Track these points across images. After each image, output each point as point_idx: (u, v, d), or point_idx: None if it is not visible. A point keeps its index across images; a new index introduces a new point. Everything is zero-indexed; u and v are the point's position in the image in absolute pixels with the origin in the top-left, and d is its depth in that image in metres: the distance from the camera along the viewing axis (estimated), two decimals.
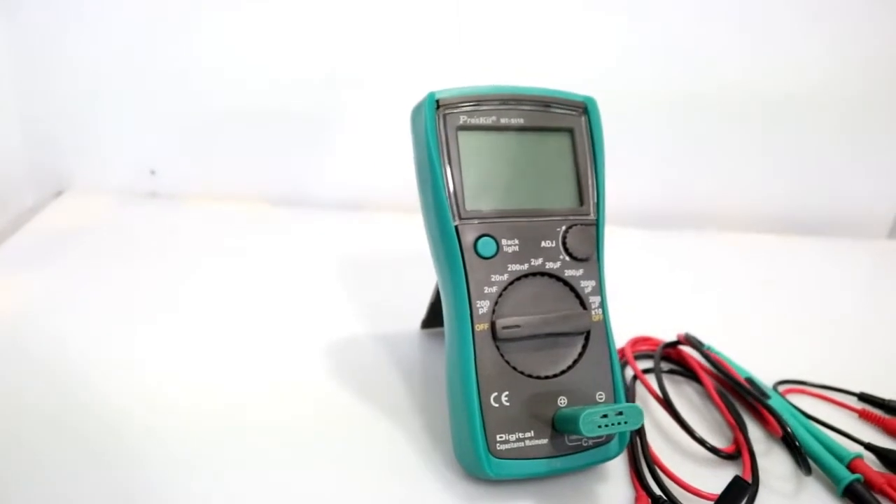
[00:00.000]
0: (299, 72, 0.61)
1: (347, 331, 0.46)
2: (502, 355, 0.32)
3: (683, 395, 0.43)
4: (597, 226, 0.35)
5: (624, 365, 0.43)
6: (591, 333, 0.34)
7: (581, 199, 0.35)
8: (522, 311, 0.33)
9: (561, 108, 0.35)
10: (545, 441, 0.32)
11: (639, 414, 0.31)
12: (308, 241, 0.59)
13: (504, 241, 0.33)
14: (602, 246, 0.35)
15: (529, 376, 0.32)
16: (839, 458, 0.35)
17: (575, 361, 0.33)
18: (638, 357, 0.44)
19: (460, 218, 0.33)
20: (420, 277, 0.43)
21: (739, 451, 0.36)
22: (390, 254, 0.56)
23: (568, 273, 0.34)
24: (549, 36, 0.62)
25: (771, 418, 0.37)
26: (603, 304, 0.35)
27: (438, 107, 0.33)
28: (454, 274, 0.33)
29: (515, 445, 0.32)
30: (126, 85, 0.59)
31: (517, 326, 0.32)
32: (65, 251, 0.52)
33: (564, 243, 0.34)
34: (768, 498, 0.34)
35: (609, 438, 0.33)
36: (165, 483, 0.32)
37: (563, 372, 0.33)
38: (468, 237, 0.33)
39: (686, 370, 0.44)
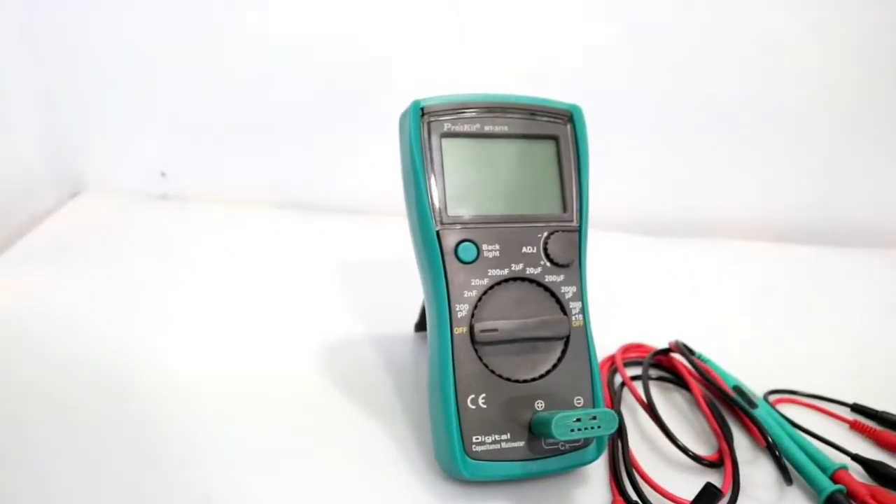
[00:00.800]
0: (308, 78, 0.62)
1: (343, 331, 0.47)
2: (480, 358, 0.33)
3: (672, 402, 0.43)
4: (579, 232, 0.35)
5: (614, 371, 0.43)
6: (571, 339, 0.34)
7: (564, 206, 0.36)
8: (502, 316, 0.33)
9: (546, 116, 0.36)
10: (521, 444, 0.32)
11: (612, 419, 0.31)
12: (313, 244, 0.60)
13: (485, 247, 0.34)
14: (584, 252, 0.36)
15: (507, 379, 0.33)
16: (823, 468, 0.35)
17: (554, 366, 0.34)
18: (629, 364, 0.45)
19: (442, 223, 0.33)
20: (419, 281, 0.44)
21: (723, 460, 0.36)
22: (392, 258, 0.57)
23: (549, 278, 0.34)
24: (555, 46, 0.63)
25: (753, 427, 0.37)
26: (584, 310, 0.35)
27: (423, 114, 0.34)
28: (435, 278, 0.33)
29: (491, 447, 0.32)
30: (139, 90, 0.61)
31: (495, 330, 0.33)
32: (77, 249, 0.54)
33: (546, 249, 0.35)
34: None
35: (587, 443, 0.33)
36: (153, 458, 0.33)
37: (541, 376, 0.33)
38: (449, 242, 0.33)
39: (677, 378, 0.44)
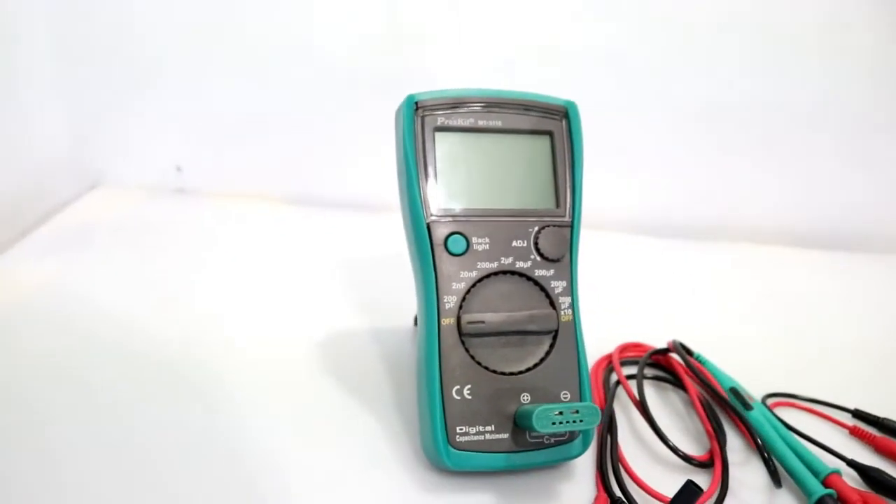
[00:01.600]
0: (321, 76, 0.63)
1: (344, 323, 0.48)
2: (467, 350, 0.33)
3: (669, 402, 0.42)
4: (571, 227, 0.35)
5: (611, 369, 0.43)
6: (560, 333, 0.34)
7: (557, 202, 0.36)
8: (489, 308, 0.34)
9: (541, 112, 0.36)
10: (506, 436, 0.33)
11: (595, 414, 0.31)
12: (322, 239, 0.61)
13: (475, 240, 0.34)
14: (576, 248, 0.36)
15: (494, 372, 0.33)
16: (815, 472, 0.35)
17: (542, 360, 0.34)
18: (628, 363, 0.44)
19: (432, 215, 0.34)
20: None
21: (713, 460, 0.36)
22: (398, 253, 0.57)
23: (538, 273, 0.35)
24: (568, 45, 0.63)
25: (744, 429, 0.37)
26: (574, 305, 0.35)
27: (417, 108, 0.35)
28: (424, 269, 0.34)
29: (475, 438, 0.32)
30: (157, 88, 0.63)
31: (482, 322, 0.33)
32: (93, 239, 0.56)
33: (536, 243, 0.35)
34: None
35: (572, 437, 0.33)
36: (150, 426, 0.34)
37: (528, 369, 0.33)
38: (439, 234, 0.34)
39: (675, 378, 0.44)
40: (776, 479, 0.34)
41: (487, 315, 0.33)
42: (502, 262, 0.34)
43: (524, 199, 0.35)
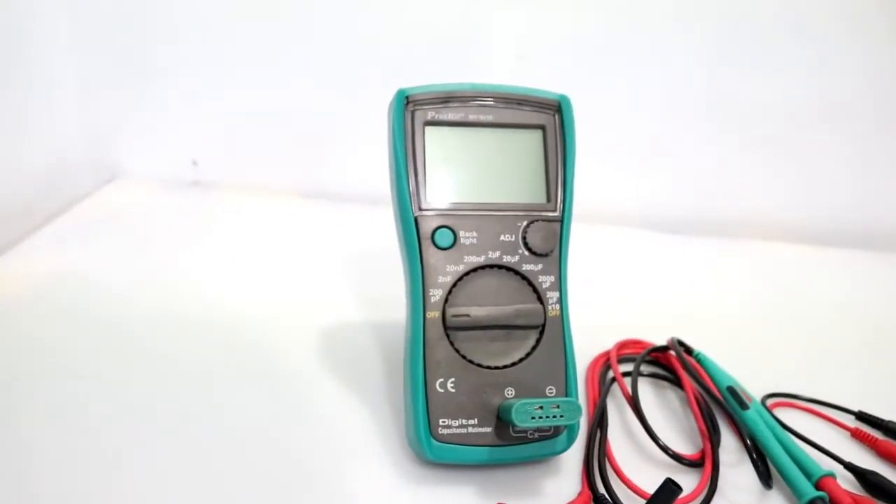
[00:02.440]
0: (330, 76, 0.64)
1: (347, 314, 0.48)
2: (452, 343, 0.33)
3: (667, 400, 0.42)
4: (562, 222, 0.35)
5: (609, 366, 0.43)
6: (546, 328, 0.34)
7: (548, 196, 0.36)
8: (475, 302, 0.34)
9: (533, 106, 0.36)
10: (489, 430, 0.33)
11: (576, 410, 0.31)
12: (332, 232, 0.62)
13: (462, 233, 0.34)
14: (566, 242, 0.35)
15: (479, 366, 0.33)
16: (809, 474, 0.34)
17: (528, 354, 0.34)
18: (627, 360, 0.44)
19: (420, 209, 0.34)
20: None
21: (704, 460, 0.36)
22: None
23: (526, 267, 0.34)
24: (578, 43, 0.63)
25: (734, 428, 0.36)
26: (562, 300, 0.35)
27: (408, 102, 0.35)
28: (411, 262, 0.34)
29: (458, 431, 0.32)
30: (174, 83, 0.65)
31: (466, 316, 0.33)
32: (109, 229, 0.58)
33: (524, 238, 0.35)
34: None
35: (557, 432, 0.33)
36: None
37: (513, 364, 0.33)
38: (427, 228, 0.34)
39: (674, 375, 0.43)
40: (764, 480, 0.33)
41: (473, 309, 0.33)
42: (489, 255, 0.34)
43: (514, 193, 0.35)
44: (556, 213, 0.35)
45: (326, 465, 0.34)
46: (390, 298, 0.50)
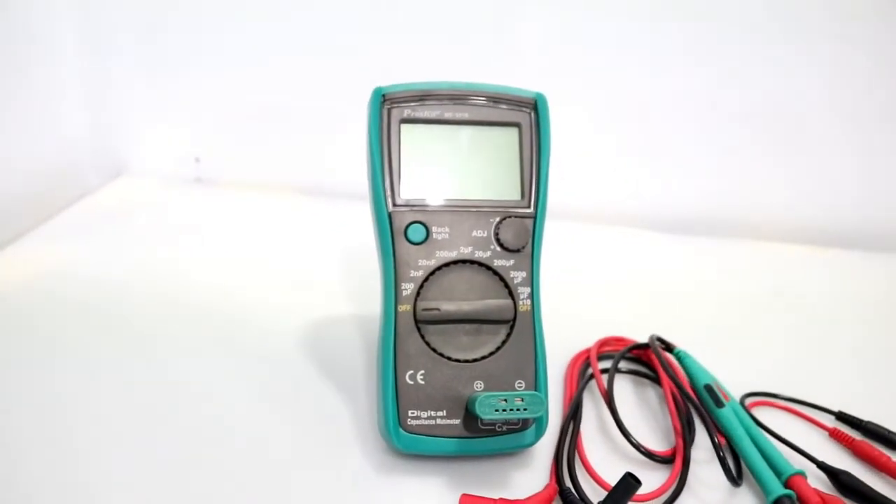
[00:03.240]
0: (329, 72, 0.65)
1: (337, 308, 0.49)
2: (423, 336, 0.34)
3: (646, 397, 0.42)
4: (535, 219, 0.36)
5: (588, 363, 0.43)
6: (517, 323, 0.35)
7: (522, 193, 0.36)
8: (446, 297, 0.34)
9: (509, 104, 0.36)
10: (457, 422, 0.33)
11: (539, 403, 0.31)
12: (329, 227, 0.63)
13: (435, 229, 0.35)
14: (539, 239, 0.36)
15: (449, 359, 0.34)
16: (779, 473, 0.34)
17: (498, 348, 0.34)
18: (610, 357, 0.44)
19: (394, 205, 0.35)
20: None
21: (675, 457, 0.36)
22: None
23: (498, 263, 0.35)
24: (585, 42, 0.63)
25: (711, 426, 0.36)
26: (534, 295, 0.35)
27: (384, 101, 0.35)
28: (385, 257, 0.35)
29: (426, 422, 0.33)
30: (178, 83, 0.66)
31: (437, 310, 0.34)
32: (113, 224, 0.60)
33: (497, 234, 0.35)
34: None
35: (525, 425, 0.34)
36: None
37: (483, 358, 0.34)
38: (400, 223, 0.35)
39: (655, 373, 0.43)
40: (731, 478, 0.33)
41: (443, 303, 0.34)
42: (461, 251, 0.35)
43: (488, 189, 0.36)
44: (530, 210, 0.36)
45: (301, 452, 0.35)
46: (376, 292, 0.51)
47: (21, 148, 0.59)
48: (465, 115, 0.36)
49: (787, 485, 0.33)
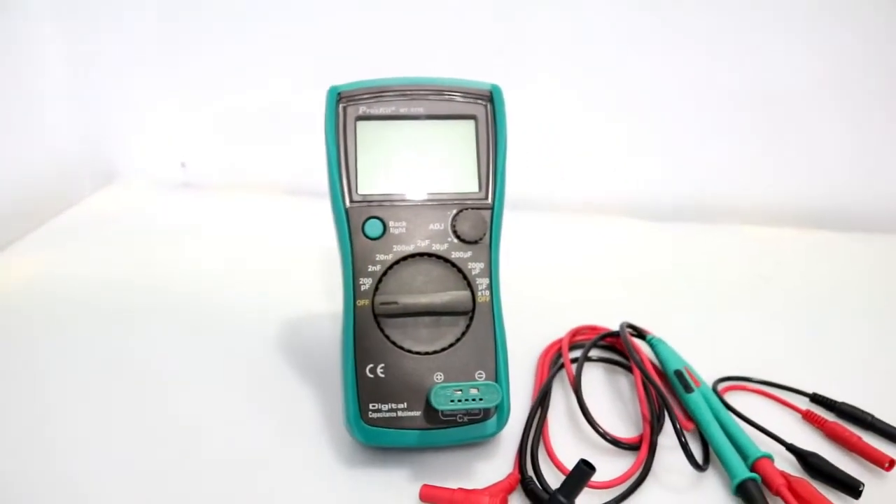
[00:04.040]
0: (312, 76, 0.65)
1: (315, 305, 0.50)
2: (382, 330, 0.34)
3: (617, 385, 0.42)
4: (492, 209, 0.36)
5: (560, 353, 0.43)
6: (476, 314, 0.35)
7: (479, 185, 0.36)
8: (405, 290, 0.34)
9: (464, 97, 0.37)
10: (418, 413, 0.33)
11: (495, 392, 0.32)
12: (313, 227, 0.63)
13: (392, 223, 0.35)
14: (497, 229, 0.36)
15: (409, 351, 0.34)
16: (745, 456, 0.34)
17: (457, 340, 0.34)
18: (581, 347, 0.44)
19: (351, 202, 0.35)
20: None
21: (642, 443, 0.36)
22: None
23: (455, 255, 0.35)
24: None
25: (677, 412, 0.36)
26: (493, 286, 0.35)
27: (340, 99, 0.36)
28: (343, 253, 0.35)
29: (387, 415, 0.33)
30: (164, 90, 0.67)
31: (395, 303, 0.34)
32: (101, 231, 0.61)
33: (454, 226, 0.35)
34: (654, 490, 0.33)
35: (486, 416, 0.34)
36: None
37: (443, 349, 0.34)
38: (357, 219, 0.35)
39: (628, 360, 0.43)
40: (695, 463, 0.33)
41: (401, 296, 0.34)
42: (419, 244, 0.35)
43: (444, 183, 0.36)
44: (488, 201, 0.36)
45: (269, 444, 0.36)
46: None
47: (11, 157, 0.60)
48: (421, 110, 0.36)
49: (753, 468, 0.33)
